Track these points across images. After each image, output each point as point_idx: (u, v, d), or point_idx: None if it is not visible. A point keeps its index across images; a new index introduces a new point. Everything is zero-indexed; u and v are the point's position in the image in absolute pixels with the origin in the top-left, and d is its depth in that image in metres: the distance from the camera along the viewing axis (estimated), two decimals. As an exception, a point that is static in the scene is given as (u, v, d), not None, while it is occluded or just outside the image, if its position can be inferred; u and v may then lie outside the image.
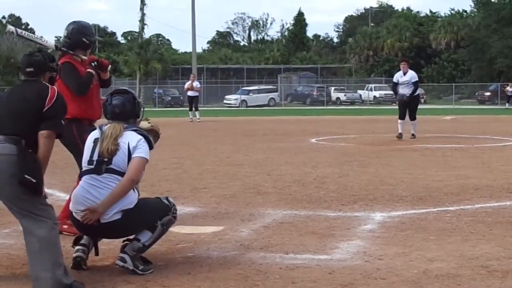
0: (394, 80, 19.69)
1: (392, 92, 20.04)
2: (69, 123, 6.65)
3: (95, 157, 5.56)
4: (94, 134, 5.74)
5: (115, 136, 5.55)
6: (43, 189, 4.92)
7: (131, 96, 5.83)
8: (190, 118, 31.29)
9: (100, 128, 5.72)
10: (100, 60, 7.42)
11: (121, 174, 5.49)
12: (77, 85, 7.09)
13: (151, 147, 5.66)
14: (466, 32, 72.31)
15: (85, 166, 5.62)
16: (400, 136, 18.60)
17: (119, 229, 5.53)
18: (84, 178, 5.59)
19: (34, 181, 4.77)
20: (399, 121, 19.04)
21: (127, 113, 5.73)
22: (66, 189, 9.99)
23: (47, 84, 5.16)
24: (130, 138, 5.56)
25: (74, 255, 5.63)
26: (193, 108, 31.57)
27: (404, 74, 19.22)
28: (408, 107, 19.06)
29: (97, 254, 5.73)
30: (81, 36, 7.27)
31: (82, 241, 5.67)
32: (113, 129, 5.60)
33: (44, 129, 4.94)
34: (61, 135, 5.18)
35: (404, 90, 19.13)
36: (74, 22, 7.43)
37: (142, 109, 5.93)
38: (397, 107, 19.94)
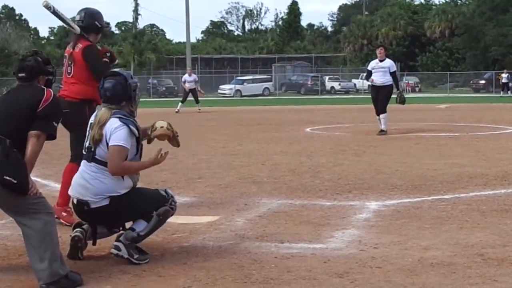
0: (369, 67, 17.55)
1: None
2: (83, 103, 7.20)
3: (87, 144, 5.63)
4: (92, 118, 5.75)
5: (100, 124, 5.55)
6: (30, 188, 4.82)
7: (123, 78, 5.74)
8: (177, 109, 30.74)
9: (96, 112, 5.75)
10: (112, 53, 7.66)
11: (104, 163, 5.51)
12: (101, 71, 7.14)
13: (138, 132, 5.60)
14: (460, 20, 72.30)
15: (84, 152, 5.69)
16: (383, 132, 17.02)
17: (111, 215, 5.56)
18: (81, 164, 5.69)
19: (15, 181, 4.71)
20: (377, 116, 17.37)
21: (118, 96, 5.66)
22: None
23: (43, 87, 5.13)
24: (110, 125, 5.53)
25: (72, 235, 5.65)
26: (186, 100, 31.30)
27: (381, 61, 17.13)
28: (377, 96, 17.11)
29: (94, 243, 5.74)
30: (93, 20, 7.49)
31: (83, 226, 5.71)
32: (101, 115, 5.60)
33: (34, 129, 4.92)
34: (53, 137, 5.07)
35: (379, 78, 17.00)
36: (85, 8, 7.63)
37: (137, 90, 5.84)
38: (393, 96, 18.74)
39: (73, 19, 7.72)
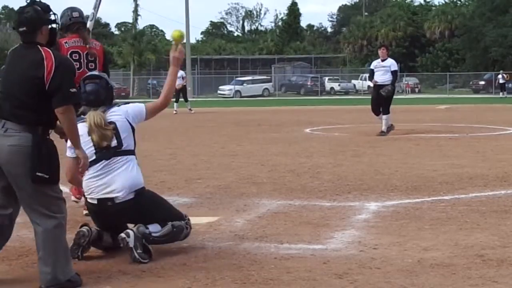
0: (371, 66, 17.49)
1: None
2: None
3: (97, 147, 5.68)
4: (83, 127, 5.63)
5: (100, 125, 5.62)
6: (59, 176, 4.80)
7: (104, 81, 5.89)
8: (175, 109, 30.62)
9: (82, 120, 5.70)
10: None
11: (131, 152, 5.73)
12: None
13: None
14: (460, 21, 72.32)
15: (92, 157, 5.61)
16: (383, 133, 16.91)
17: (132, 211, 5.62)
18: (90, 169, 5.61)
19: (47, 176, 4.65)
20: (376, 116, 17.30)
21: (101, 99, 5.79)
22: (62, 181, 9.97)
23: (41, 51, 4.71)
24: (122, 112, 5.74)
25: (78, 230, 5.67)
26: (179, 100, 30.49)
27: (382, 61, 17.14)
28: (378, 96, 16.99)
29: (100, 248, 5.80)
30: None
31: (90, 227, 5.72)
32: (93, 118, 5.64)
33: (58, 106, 4.67)
34: (78, 104, 4.91)
35: (379, 76, 16.93)
36: (75, 7, 7.83)
37: (115, 91, 6.07)
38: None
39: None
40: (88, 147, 5.59)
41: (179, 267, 5.43)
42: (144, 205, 5.69)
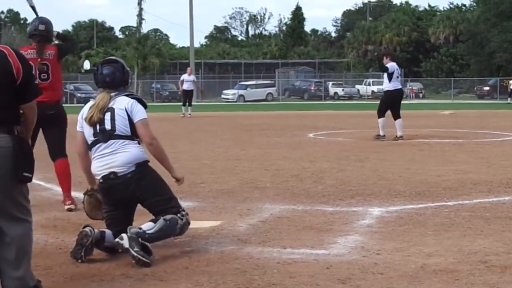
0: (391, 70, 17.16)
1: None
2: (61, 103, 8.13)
3: (98, 128, 5.90)
4: (89, 106, 6.03)
5: (101, 106, 5.91)
6: None
7: (120, 65, 6.16)
8: (182, 113, 30.80)
9: (94, 98, 6.07)
10: None
11: (125, 137, 5.88)
12: None
13: (145, 106, 6.03)
14: (465, 27, 72.24)
15: (90, 138, 5.95)
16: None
17: (136, 182, 5.80)
18: (93, 151, 5.94)
19: (31, 176, 4.58)
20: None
21: (117, 82, 6.06)
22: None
23: (1, 50, 4.55)
24: (126, 104, 5.92)
25: (81, 230, 5.71)
26: (187, 103, 30.75)
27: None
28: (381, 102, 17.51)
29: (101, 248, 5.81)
30: (51, 30, 8.23)
31: (92, 228, 5.76)
32: (101, 99, 5.96)
33: (31, 100, 4.64)
34: (41, 93, 4.83)
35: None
36: (44, 17, 8.25)
37: (130, 76, 6.30)
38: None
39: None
40: (89, 128, 5.95)
41: (181, 271, 5.42)
42: (146, 177, 5.89)
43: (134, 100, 5.97)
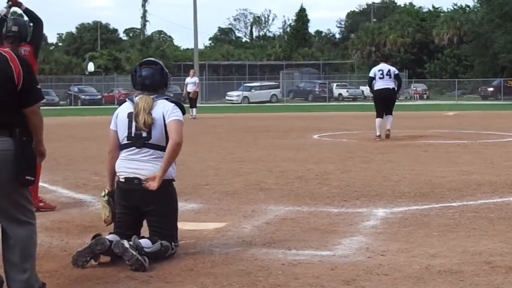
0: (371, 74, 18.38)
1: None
2: None
3: (133, 132, 5.83)
4: (127, 108, 5.94)
5: (148, 109, 5.80)
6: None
7: (160, 67, 6.08)
8: (190, 115, 30.88)
9: (131, 100, 5.94)
10: None
11: (160, 148, 5.81)
12: None
13: (183, 112, 5.96)
14: (469, 27, 72.20)
15: (124, 141, 5.88)
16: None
17: (155, 196, 5.73)
18: (124, 151, 5.87)
19: (33, 179, 4.57)
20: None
21: (156, 84, 6.00)
22: (69, 185, 10.02)
23: (3, 54, 4.54)
24: (163, 108, 5.85)
25: (98, 237, 5.67)
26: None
27: None
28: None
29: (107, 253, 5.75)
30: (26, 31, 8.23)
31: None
32: (145, 102, 5.84)
33: (33, 104, 4.57)
34: (43, 97, 4.73)
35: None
36: (19, 19, 8.35)
37: (169, 78, 6.25)
38: (399, 103, 19.08)
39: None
40: (123, 128, 5.86)
41: (186, 273, 5.43)
42: (167, 196, 5.86)
43: (173, 104, 5.90)
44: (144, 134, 5.79)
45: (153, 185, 5.72)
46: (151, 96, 5.89)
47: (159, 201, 5.82)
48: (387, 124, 17.66)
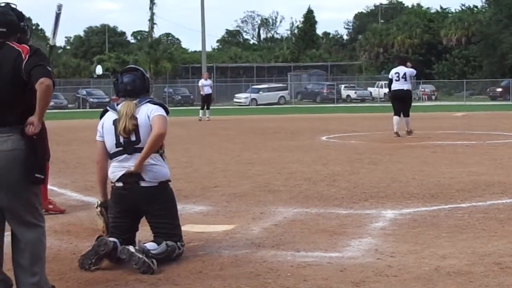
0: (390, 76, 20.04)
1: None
2: None
3: (122, 138, 5.84)
4: (111, 116, 5.97)
5: (130, 114, 5.84)
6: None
7: (140, 72, 6.16)
8: (200, 116, 31.13)
9: (113, 107, 5.99)
10: None
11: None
12: None
13: (167, 112, 5.98)
14: (477, 28, 72.07)
15: (113, 149, 5.89)
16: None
17: (153, 198, 5.79)
18: (115, 160, 5.89)
19: (43, 177, 4.60)
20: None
21: (138, 89, 6.04)
22: (78, 188, 10.04)
23: (17, 49, 4.56)
24: (147, 110, 5.90)
25: (101, 237, 5.73)
26: (205, 107, 31.29)
27: None
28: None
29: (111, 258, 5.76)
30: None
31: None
32: (127, 107, 5.89)
33: (40, 77, 4.41)
34: (54, 83, 4.59)
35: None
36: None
37: (151, 83, 6.23)
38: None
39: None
40: (111, 136, 5.88)
41: (195, 275, 5.43)
42: (165, 197, 5.89)
43: (157, 106, 5.95)
44: (133, 138, 5.82)
45: (132, 178, 5.79)
46: (134, 102, 5.93)
47: (159, 202, 5.84)
48: (406, 126, 18.88)
